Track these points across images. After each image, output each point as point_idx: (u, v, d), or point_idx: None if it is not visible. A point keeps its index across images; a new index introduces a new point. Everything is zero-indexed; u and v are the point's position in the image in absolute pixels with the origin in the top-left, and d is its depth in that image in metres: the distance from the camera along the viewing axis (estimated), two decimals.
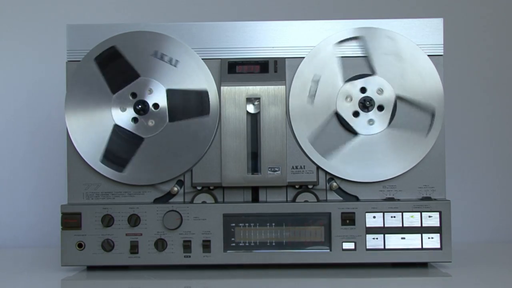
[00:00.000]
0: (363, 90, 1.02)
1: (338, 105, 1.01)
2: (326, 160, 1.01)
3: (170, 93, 1.01)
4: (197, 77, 1.02)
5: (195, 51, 1.02)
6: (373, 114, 1.02)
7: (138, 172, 1.01)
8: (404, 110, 1.02)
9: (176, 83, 1.01)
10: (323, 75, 1.02)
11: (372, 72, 1.02)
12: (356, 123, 1.01)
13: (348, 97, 1.01)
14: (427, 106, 1.01)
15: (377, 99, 1.02)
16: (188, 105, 1.01)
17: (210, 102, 1.01)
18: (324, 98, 1.02)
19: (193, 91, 1.01)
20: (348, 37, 1.02)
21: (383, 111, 1.01)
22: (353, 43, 1.02)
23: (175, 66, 1.00)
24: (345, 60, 1.02)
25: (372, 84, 1.02)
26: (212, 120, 1.01)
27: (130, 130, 1.01)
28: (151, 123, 1.02)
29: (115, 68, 1.02)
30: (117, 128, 1.01)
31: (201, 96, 1.01)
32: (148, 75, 1.02)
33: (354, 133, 1.02)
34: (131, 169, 1.01)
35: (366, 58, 1.02)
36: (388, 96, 1.01)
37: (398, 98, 1.01)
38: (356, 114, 1.01)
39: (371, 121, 1.01)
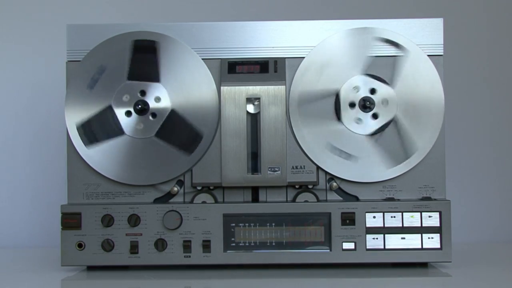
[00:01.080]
0: (362, 90, 1.01)
1: (338, 108, 1.01)
2: (326, 160, 1.01)
3: (172, 114, 1.01)
4: (197, 77, 1.02)
5: (195, 51, 1.02)
6: (373, 113, 1.02)
7: (138, 172, 1.01)
8: (404, 110, 1.01)
9: (174, 79, 1.01)
10: (322, 75, 1.02)
11: (371, 72, 1.02)
12: (356, 123, 1.01)
13: (348, 99, 1.01)
14: (426, 105, 1.01)
15: (377, 99, 1.02)
16: (179, 134, 1.01)
17: (210, 101, 1.01)
18: (323, 98, 1.02)
19: (192, 129, 1.01)
20: (347, 38, 1.02)
21: (383, 110, 1.01)
22: (352, 44, 1.02)
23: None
24: (343, 60, 1.02)
25: (371, 84, 1.02)
26: (212, 120, 1.01)
27: (119, 118, 1.01)
28: (139, 126, 1.01)
29: (145, 61, 1.01)
30: (109, 110, 1.01)
31: (195, 130, 1.01)
32: (146, 74, 1.01)
33: (354, 133, 1.01)
34: (98, 150, 1.01)
35: (365, 58, 1.02)
36: (387, 95, 1.01)
37: (398, 97, 1.01)
38: (357, 115, 1.01)
39: (372, 121, 1.01)
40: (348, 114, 1.02)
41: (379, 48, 1.02)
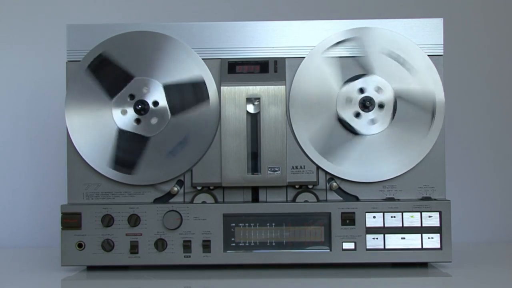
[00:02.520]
0: (362, 90, 1.02)
1: (338, 109, 1.01)
2: (326, 160, 1.01)
3: (167, 88, 1.01)
4: (197, 77, 1.02)
5: (195, 51, 1.02)
6: (373, 114, 1.02)
7: (139, 172, 1.01)
8: (404, 110, 1.02)
9: (172, 77, 1.01)
10: (322, 75, 1.02)
11: (371, 72, 1.02)
12: (357, 124, 1.01)
13: (348, 100, 1.01)
14: (426, 105, 1.01)
15: (377, 98, 1.02)
16: (186, 95, 1.01)
17: (210, 101, 1.01)
18: (323, 98, 1.02)
19: (188, 82, 1.01)
20: (346, 38, 1.02)
21: (383, 110, 1.01)
22: (351, 44, 1.02)
23: None
24: (343, 60, 1.02)
25: (371, 84, 1.02)
26: (212, 120, 1.01)
27: (134, 131, 1.01)
28: (154, 121, 1.02)
29: (108, 74, 1.02)
30: (121, 133, 1.01)
31: (197, 84, 1.01)
32: (143, 74, 1.02)
33: (355, 133, 1.02)
34: (140, 169, 1.01)
35: (365, 58, 1.02)
36: (387, 95, 1.01)
37: (398, 97, 1.01)
38: (357, 115, 1.02)
39: (371, 121, 1.01)
40: (348, 114, 1.01)
41: (380, 48, 1.02)
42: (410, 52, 1.02)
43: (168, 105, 1.01)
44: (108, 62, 1.02)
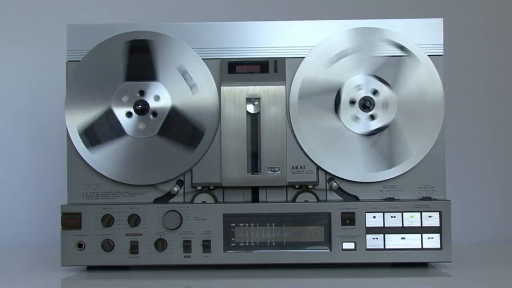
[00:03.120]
0: (362, 90, 1.02)
1: (338, 109, 1.01)
2: (326, 160, 1.01)
3: (173, 111, 1.01)
4: (197, 77, 1.02)
5: (195, 51, 1.02)
6: (373, 113, 1.02)
7: (138, 172, 1.01)
8: (404, 110, 1.02)
9: (172, 77, 1.01)
10: (322, 75, 1.02)
11: (370, 72, 1.02)
12: (357, 124, 1.01)
13: (348, 100, 1.01)
14: (426, 105, 1.01)
15: (377, 98, 1.02)
16: (181, 131, 1.01)
17: (210, 101, 1.01)
18: (323, 98, 1.02)
19: (191, 123, 1.01)
20: (346, 38, 1.02)
21: (383, 111, 1.01)
22: (352, 44, 1.02)
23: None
24: (343, 60, 1.02)
25: (371, 84, 1.02)
26: (212, 120, 1.01)
27: (120, 120, 1.01)
28: (140, 126, 1.01)
29: (108, 74, 1.02)
30: (109, 113, 1.01)
31: (195, 130, 1.01)
32: (144, 74, 1.01)
33: (355, 133, 1.02)
34: (102, 154, 1.01)
35: (365, 58, 1.02)
36: (387, 95, 1.01)
37: (397, 97, 1.01)
38: (357, 115, 1.01)
39: (372, 121, 1.01)
40: (348, 114, 1.02)
41: (379, 48, 1.02)
42: (410, 53, 1.02)
43: (162, 124, 1.01)
44: (108, 62, 1.02)
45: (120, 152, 1.01)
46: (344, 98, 1.02)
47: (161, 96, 1.02)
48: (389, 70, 1.02)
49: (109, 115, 1.02)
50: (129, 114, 1.02)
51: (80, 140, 1.02)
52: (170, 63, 1.02)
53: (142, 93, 1.02)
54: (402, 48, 1.02)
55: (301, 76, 1.02)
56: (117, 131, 1.02)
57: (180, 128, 1.01)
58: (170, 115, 1.01)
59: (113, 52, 1.02)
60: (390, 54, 1.02)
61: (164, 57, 1.02)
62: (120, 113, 1.02)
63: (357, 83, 1.02)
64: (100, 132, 1.01)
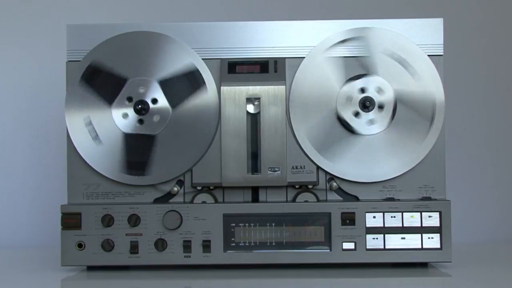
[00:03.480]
0: (362, 90, 1.02)
1: (338, 109, 1.01)
2: (326, 160, 1.01)
3: (163, 83, 1.01)
4: (197, 77, 1.02)
5: (195, 51, 1.02)
6: (373, 114, 1.02)
7: (138, 172, 1.01)
8: (404, 110, 1.02)
9: (166, 72, 1.01)
10: (322, 75, 1.02)
11: (372, 72, 1.02)
12: (357, 124, 1.01)
13: (348, 100, 1.01)
14: (426, 105, 1.01)
15: (377, 99, 1.02)
16: (183, 86, 1.01)
17: (210, 101, 1.01)
18: (323, 98, 1.02)
19: (182, 73, 1.01)
20: (346, 38, 1.02)
21: (383, 111, 1.01)
22: (352, 44, 1.02)
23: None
24: (343, 60, 1.02)
25: (372, 84, 1.02)
26: (212, 120, 1.01)
27: (139, 132, 1.01)
28: (156, 118, 1.01)
29: (102, 82, 1.02)
30: (127, 136, 1.01)
31: (192, 73, 1.01)
32: (144, 74, 1.02)
33: (355, 133, 1.02)
34: (102, 154, 1.01)
35: (365, 58, 1.02)
36: (388, 95, 1.01)
37: (398, 97, 1.01)
38: (356, 114, 1.02)
39: (371, 121, 1.01)
40: (348, 114, 1.02)
41: (380, 48, 1.02)
42: (410, 52, 1.02)
43: (167, 99, 1.01)
44: (108, 62, 1.02)
45: (120, 152, 1.01)
46: (344, 98, 1.02)
47: (161, 97, 1.02)
48: (389, 70, 1.02)
49: (108, 115, 1.02)
50: (129, 114, 1.02)
51: (80, 140, 1.01)
52: (171, 63, 1.02)
53: (142, 93, 1.02)
54: (401, 48, 1.02)
55: (301, 76, 1.02)
56: (117, 131, 1.01)
57: (180, 128, 1.01)
58: (170, 116, 1.01)
59: (113, 52, 1.02)
60: (390, 54, 1.02)
61: (164, 57, 1.02)
62: (119, 113, 1.02)
63: (357, 83, 1.02)
64: (100, 131, 1.01)
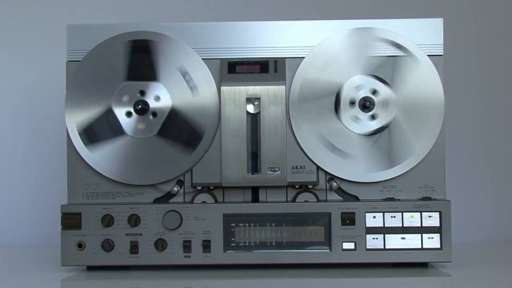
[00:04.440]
0: (362, 91, 1.02)
1: (338, 109, 1.01)
2: (326, 160, 1.01)
3: (173, 112, 1.01)
4: (197, 77, 1.02)
5: (195, 51, 1.02)
6: (373, 114, 1.02)
7: (138, 172, 1.01)
8: (404, 110, 1.01)
9: (172, 77, 1.01)
10: (322, 75, 1.02)
11: (370, 72, 1.02)
12: (357, 124, 1.01)
13: (348, 100, 1.01)
14: (426, 105, 1.01)
15: (377, 98, 1.02)
16: (181, 131, 1.01)
17: (210, 101, 1.01)
18: (323, 98, 1.02)
19: (191, 124, 1.01)
20: (346, 38, 1.02)
21: (383, 111, 1.01)
22: (351, 44, 1.02)
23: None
24: (343, 60, 1.02)
25: (371, 84, 1.02)
26: (212, 120, 1.01)
27: (119, 120, 1.01)
28: (140, 126, 1.01)
29: (108, 74, 1.01)
30: (109, 112, 1.01)
31: (195, 130, 1.01)
32: (144, 74, 1.01)
33: (355, 133, 1.02)
34: (102, 154, 1.01)
35: (365, 58, 1.02)
36: (387, 95, 1.01)
37: (398, 97, 1.01)
38: (357, 115, 1.01)
39: (372, 121, 1.01)
40: (348, 114, 1.02)
41: (379, 48, 1.02)
42: (410, 52, 1.02)
43: (162, 125, 1.01)
44: (108, 61, 1.02)
45: (120, 152, 1.01)
46: (344, 98, 1.02)
47: (161, 97, 1.02)
48: (389, 70, 1.02)
49: (109, 115, 1.02)
50: (129, 114, 1.02)
51: (80, 140, 1.02)
52: (171, 63, 1.02)
53: (142, 93, 1.02)
54: (401, 48, 1.02)
55: (301, 76, 1.02)
56: (117, 131, 1.02)
57: (180, 128, 1.01)
58: (170, 116, 1.01)
59: (113, 52, 1.02)
60: (389, 54, 1.02)
61: (164, 57, 1.02)
62: (120, 113, 1.02)
63: (357, 83, 1.02)
64: (100, 131, 1.01)
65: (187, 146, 1.01)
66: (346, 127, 1.02)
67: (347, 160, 1.01)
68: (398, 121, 1.02)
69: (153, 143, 1.01)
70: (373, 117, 1.02)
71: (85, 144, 1.02)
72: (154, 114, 1.02)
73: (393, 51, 1.02)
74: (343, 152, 1.01)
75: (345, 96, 1.02)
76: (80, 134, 1.02)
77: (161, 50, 1.02)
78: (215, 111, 1.01)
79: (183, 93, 1.01)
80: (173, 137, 1.01)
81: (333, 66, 1.02)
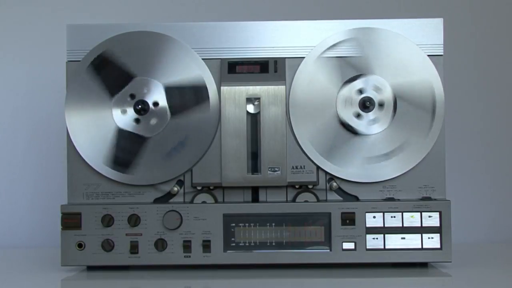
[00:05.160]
0: (362, 91, 1.02)
1: (338, 109, 1.01)
2: (326, 160, 1.01)
3: (168, 88, 1.01)
4: (197, 77, 1.02)
5: (195, 51, 1.02)
6: (374, 113, 1.02)
7: (138, 172, 1.01)
8: (404, 110, 1.02)
9: (172, 78, 1.01)
10: (322, 75, 1.02)
11: (370, 72, 1.02)
12: (358, 124, 1.01)
13: (348, 100, 1.01)
14: (426, 105, 1.01)
15: (377, 98, 1.02)
16: (187, 97, 1.01)
17: (210, 101, 1.01)
18: (323, 98, 1.02)
19: (189, 84, 1.01)
20: (346, 38, 1.02)
21: (383, 111, 1.01)
22: (351, 44, 1.02)
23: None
24: (343, 60, 1.02)
25: (371, 84, 1.02)
26: (212, 120, 1.01)
27: (133, 131, 1.01)
28: (153, 121, 1.02)
29: (108, 74, 1.02)
30: (120, 132, 1.01)
31: (198, 86, 1.01)
32: (143, 74, 1.02)
33: (355, 133, 1.02)
34: (134, 169, 1.01)
35: (365, 59, 1.02)
36: (387, 95, 1.01)
37: (398, 98, 1.01)
38: (357, 115, 1.01)
39: (372, 121, 1.01)
40: (348, 114, 1.02)
41: (379, 48, 1.02)
42: (410, 52, 1.02)
43: (168, 106, 1.01)
44: (108, 62, 1.02)
45: (120, 152, 1.01)
46: (344, 98, 1.02)
47: (162, 97, 1.02)
48: (389, 70, 1.02)
49: (109, 115, 1.02)
50: (126, 112, 1.02)
51: (80, 139, 1.01)
52: (171, 63, 1.02)
53: (143, 93, 1.02)
54: (401, 48, 1.02)
55: (301, 76, 1.02)
56: (116, 130, 1.02)
57: (180, 128, 1.01)
58: (170, 116, 1.01)
59: (112, 52, 1.02)
60: (389, 54, 1.02)
61: (164, 57, 1.02)
62: (119, 108, 1.02)
63: (357, 83, 1.02)
64: (100, 131, 1.01)
65: (187, 147, 1.01)
66: (346, 127, 1.02)
67: (347, 160, 1.01)
68: (398, 120, 1.02)
69: (153, 144, 1.01)
70: (373, 116, 1.02)
71: (85, 144, 1.01)
72: (154, 114, 1.02)
73: (392, 51, 1.02)
74: (343, 152, 1.01)
75: (345, 95, 1.02)
76: (80, 134, 1.01)
77: (161, 50, 1.02)
78: (215, 111, 1.01)
79: (183, 93, 1.01)
80: (172, 137, 1.01)
81: (333, 66, 1.02)
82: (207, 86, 1.01)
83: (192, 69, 1.02)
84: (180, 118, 1.01)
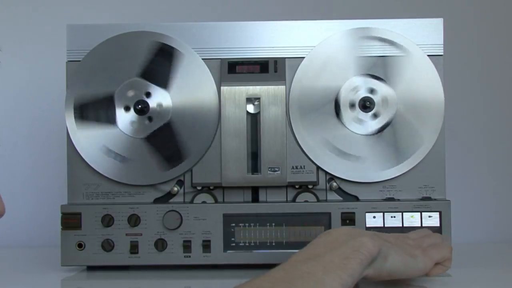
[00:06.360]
0: (361, 91, 1.02)
1: (338, 109, 1.01)
2: (326, 160, 1.01)
3: (168, 89, 1.01)
4: (197, 77, 1.02)
5: (195, 51, 1.02)
6: (374, 114, 1.02)
7: (138, 172, 1.01)
8: (404, 110, 1.01)
9: (174, 79, 1.01)
10: (322, 75, 1.02)
11: (372, 73, 1.02)
12: (358, 124, 1.01)
13: (348, 100, 1.01)
14: (426, 105, 1.01)
15: (377, 98, 1.02)
16: (186, 98, 1.01)
17: (210, 101, 1.01)
18: (323, 98, 1.02)
19: (189, 85, 1.01)
20: (346, 38, 1.02)
21: (383, 111, 1.01)
22: (351, 44, 1.02)
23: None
24: (343, 60, 1.02)
25: (370, 84, 1.02)
26: (212, 120, 1.01)
27: (133, 131, 1.01)
28: (153, 121, 1.01)
29: (108, 74, 1.01)
30: (120, 132, 1.01)
31: (198, 88, 1.01)
32: (145, 74, 1.02)
33: (355, 133, 1.01)
34: (134, 168, 1.01)
35: (366, 59, 1.02)
36: (387, 95, 1.01)
37: (398, 98, 1.01)
38: (357, 115, 1.01)
39: (372, 121, 1.01)
40: (348, 114, 1.02)
41: (379, 48, 1.02)
42: (410, 52, 1.02)
43: (168, 106, 1.01)
44: (109, 61, 1.02)
45: (120, 152, 1.01)
46: (344, 98, 1.02)
47: (162, 97, 1.01)
48: (389, 70, 1.02)
49: (109, 115, 1.02)
50: (126, 112, 1.02)
51: (80, 139, 1.01)
52: (171, 63, 1.02)
53: (147, 94, 1.02)
54: (401, 48, 1.02)
55: (301, 76, 1.02)
56: (111, 122, 1.01)
57: (180, 129, 1.01)
58: (170, 115, 1.01)
59: (112, 52, 1.02)
60: (389, 54, 1.02)
61: (165, 57, 1.02)
62: (119, 112, 1.02)
63: (356, 83, 1.02)
64: (94, 115, 1.01)
65: (170, 160, 1.01)
66: (346, 127, 1.02)
67: (347, 160, 1.01)
68: (398, 121, 1.02)
69: (153, 143, 1.01)
70: (373, 116, 1.02)
71: (85, 144, 1.01)
72: (151, 118, 1.01)
73: (392, 51, 1.02)
74: (343, 152, 1.01)
75: (345, 96, 1.02)
76: (80, 134, 1.01)
77: (161, 50, 1.02)
78: (215, 111, 1.01)
79: (183, 93, 1.01)
80: (161, 146, 1.01)
81: (333, 66, 1.02)
82: (207, 86, 1.01)
83: (192, 69, 1.02)
84: (180, 118, 1.01)
